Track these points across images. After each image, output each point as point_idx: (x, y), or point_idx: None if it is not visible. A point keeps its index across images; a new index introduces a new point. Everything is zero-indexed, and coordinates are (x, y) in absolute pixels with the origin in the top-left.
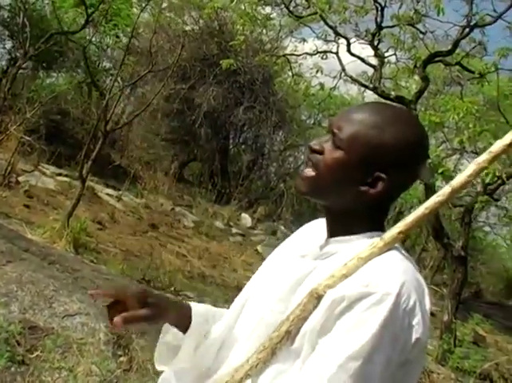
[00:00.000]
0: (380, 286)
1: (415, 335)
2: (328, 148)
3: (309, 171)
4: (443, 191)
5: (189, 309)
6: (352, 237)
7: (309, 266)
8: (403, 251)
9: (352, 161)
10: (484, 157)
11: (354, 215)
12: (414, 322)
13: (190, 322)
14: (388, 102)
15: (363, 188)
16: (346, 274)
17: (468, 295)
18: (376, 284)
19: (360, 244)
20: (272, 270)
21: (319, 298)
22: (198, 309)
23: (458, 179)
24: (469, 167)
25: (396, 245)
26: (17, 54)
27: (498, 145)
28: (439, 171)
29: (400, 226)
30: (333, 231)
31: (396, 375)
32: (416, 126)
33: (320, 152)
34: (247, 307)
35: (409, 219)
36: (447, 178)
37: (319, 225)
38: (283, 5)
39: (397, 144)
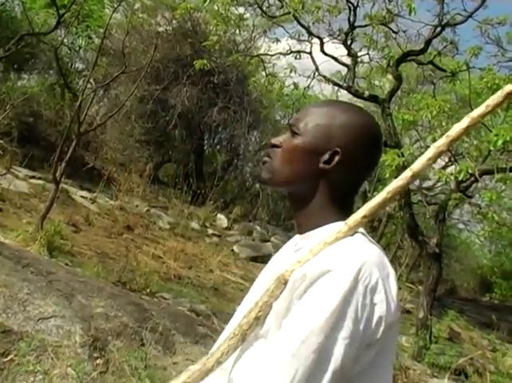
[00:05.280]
0: (340, 263)
1: (377, 313)
2: (286, 139)
3: (267, 159)
4: (404, 175)
5: None
6: (320, 229)
7: (283, 261)
8: (369, 237)
9: (307, 142)
10: (442, 141)
11: (318, 206)
12: (376, 300)
13: None
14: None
15: (320, 165)
16: (311, 258)
17: (443, 292)
18: (337, 262)
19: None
20: (256, 281)
21: (286, 283)
22: None
23: (418, 163)
24: (428, 151)
25: (362, 230)
26: None
27: (455, 129)
28: None
29: (364, 210)
30: (302, 227)
31: (363, 357)
32: (366, 115)
33: (279, 146)
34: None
35: (372, 203)
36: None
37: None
38: (256, 6)
39: (347, 125)
